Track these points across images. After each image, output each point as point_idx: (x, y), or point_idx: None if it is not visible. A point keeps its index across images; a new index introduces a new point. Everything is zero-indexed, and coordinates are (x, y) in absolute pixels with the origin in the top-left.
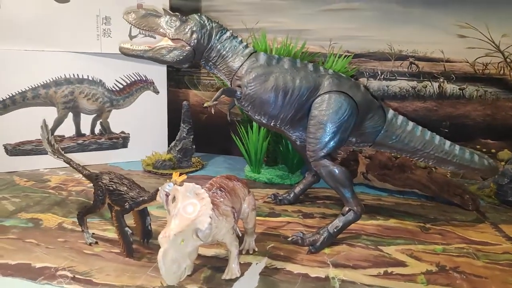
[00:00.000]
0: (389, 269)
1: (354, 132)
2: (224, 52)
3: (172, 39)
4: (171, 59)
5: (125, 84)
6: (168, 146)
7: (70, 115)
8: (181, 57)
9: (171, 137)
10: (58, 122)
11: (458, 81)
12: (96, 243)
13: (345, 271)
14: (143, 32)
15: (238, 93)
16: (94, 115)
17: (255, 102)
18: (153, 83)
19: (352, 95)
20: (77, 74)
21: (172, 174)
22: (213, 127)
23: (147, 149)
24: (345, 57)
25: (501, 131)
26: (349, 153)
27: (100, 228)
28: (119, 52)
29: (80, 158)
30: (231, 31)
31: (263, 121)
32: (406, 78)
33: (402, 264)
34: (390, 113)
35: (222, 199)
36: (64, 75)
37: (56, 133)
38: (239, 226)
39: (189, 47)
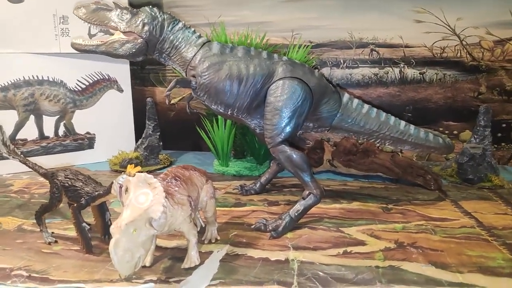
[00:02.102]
0: (348, 249)
1: (310, 117)
2: (177, 43)
3: (124, 32)
4: (124, 52)
5: (87, 83)
6: (135, 145)
7: (32, 118)
8: (134, 50)
9: (139, 135)
10: (20, 126)
11: (418, 65)
12: (56, 242)
13: (305, 253)
14: (100, 29)
15: (193, 83)
16: (57, 116)
17: (210, 91)
18: (116, 81)
19: (306, 81)
20: (37, 76)
21: (142, 172)
22: (181, 123)
23: (114, 148)
24: (304, 47)
25: (461, 113)
26: (316, 142)
27: (61, 228)
28: (79, 51)
29: (45, 161)
30: (183, 22)
31: (220, 110)
32: (368, 65)
33: (361, 243)
34: (345, 96)
35: (177, 188)
36: (23, 77)
37: (18, 136)
38: (201, 216)
39: (141, 39)
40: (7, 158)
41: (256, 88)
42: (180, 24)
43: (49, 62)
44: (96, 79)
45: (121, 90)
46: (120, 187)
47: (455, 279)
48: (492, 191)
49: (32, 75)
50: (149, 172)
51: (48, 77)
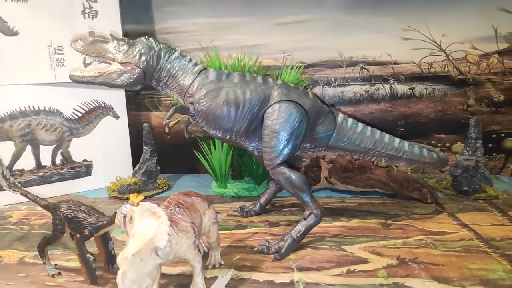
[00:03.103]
0: (352, 267)
1: (307, 138)
2: (174, 71)
3: (122, 63)
4: (122, 82)
5: (83, 111)
6: (133, 170)
7: (29, 148)
8: (131, 80)
9: (136, 160)
10: (17, 156)
11: (407, 81)
12: (59, 273)
13: (309, 274)
14: (96, 59)
15: (191, 110)
16: (54, 145)
17: (208, 117)
18: (112, 108)
19: (301, 103)
20: (33, 106)
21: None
22: (178, 147)
23: (112, 175)
24: (297, 68)
25: (452, 125)
26: (312, 159)
27: (64, 259)
28: (78, 83)
29: (42, 191)
30: (179, 50)
31: (219, 135)
32: (359, 83)
33: (364, 261)
34: (340, 116)
35: (180, 216)
36: (19, 108)
37: (15, 167)
38: (203, 242)
39: (138, 69)
40: (4, 190)
41: (253, 113)
42: (177, 53)
43: (45, 92)
44: (92, 106)
45: (117, 117)
46: (124, 217)
47: None
48: (487, 202)
49: (28, 106)
50: (147, 197)
51: (44, 107)
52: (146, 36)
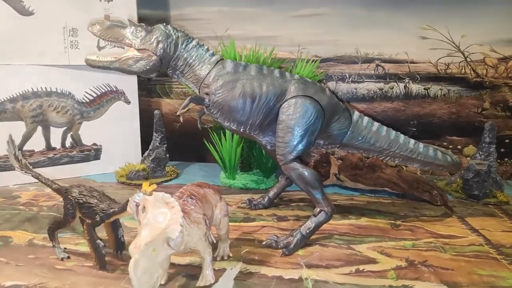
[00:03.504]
0: (361, 267)
1: (321, 134)
2: (191, 60)
3: (138, 49)
4: (138, 69)
5: (95, 95)
6: (142, 156)
7: (39, 129)
8: (147, 67)
9: (145, 147)
10: (27, 137)
11: (423, 81)
12: (68, 257)
13: (318, 271)
14: (112, 44)
15: (207, 100)
16: (64, 128)
17: (224, 109)
18: (123, 93)
19: (318, 99)
20: (45, 87)
21: (149, 184)
22: (187, 135)
23: (120, 160)
24: (312, 61)
25: (465, 128)
26: (322, 155)
27: (72, 243)
28: (93, 67)
29: (51, 172)
30: (197, 39)
31: (233, 128)
32: (373, 80)
33: (373, 261)
34: (356, 115)
35: (193, 207)
36: (32, 88)
37: (26, 147)
38: (212, 232)
39: (155, 56)
40: (13, 170)
41: (269, 106)
42: (194, 42)
43: (58, 74)
44: (103, 91)
45: (128, 102)
46: (137, 206)
47: None
48: (497, 207)
49: (41, 87)
50: (156, 183)
51: (56, 88)
52: (164, 24)
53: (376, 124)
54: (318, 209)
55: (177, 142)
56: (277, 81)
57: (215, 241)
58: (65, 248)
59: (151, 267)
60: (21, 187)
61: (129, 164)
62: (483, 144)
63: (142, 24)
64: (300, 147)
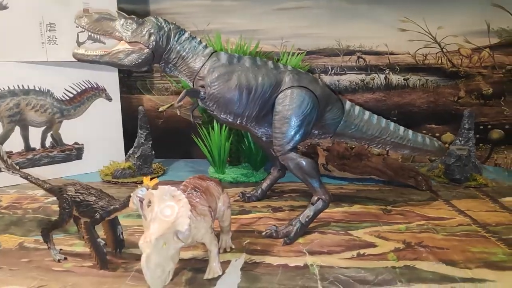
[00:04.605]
0: (361, 251)
1: (316, 124)
2: (184, 53)
3: (129, 42)
4: (130, 62)
5: (75, 92)
6: (125, 154)
7: (17, 129)
8: (139, 60)
9: (127, 144)
10: (4, 137)
11: (402, 72)
12: (65, 259)
13: (322, 258)
14: (95, 37)
15: (202, 93)
16: (44, 127)
17: (220, 101)
18: (105, 90)
19: (313, 89)
20: (22, 85)
21: (136, 181)
22: (170, 131)
23: (103, 159)
24: (298, 54)
25: (443, 116)
26: (308, 146)
27: (67, 244)
28: (67, 60)
29: (31, 174)
30: (189, 32)
31: (229, 120)
32: (355, 72)
33: (372, 245)
34: (348, 104)
35: (198, 199)
36: (8, 87)
37: (3, 149)
38: (214, 225)
39: (147, 49)
40: None
41: (265, 98)
42: (186, 34)
43: (35, 70)
44: (84, 88)
45: (109, 99)
46: (141, 201)
47: (466, 275)
48: (477, 190)
49: (18, 85)
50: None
51: (34, 86)
52: (155, 16)
53: (367, 113)
54: (316, 198)
55: (160, 139)
56: (271, 72)
57: (215, 233)
58: (60, 249)
59: (163, 261)
60: (0, 191)
61: (114, 163)
62: (463, 131)
63: (132, 16)
64: (297, 137)
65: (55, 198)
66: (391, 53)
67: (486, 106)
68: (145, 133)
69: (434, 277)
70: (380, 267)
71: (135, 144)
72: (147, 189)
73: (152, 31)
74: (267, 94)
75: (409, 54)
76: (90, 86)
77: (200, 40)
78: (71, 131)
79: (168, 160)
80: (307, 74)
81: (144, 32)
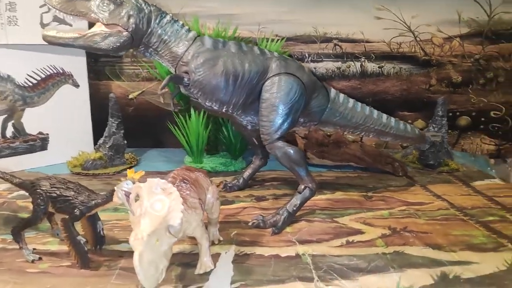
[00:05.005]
0: (350, 238)
1: (302, 112)
2: (166, 37)
3: (107, 25)
4: (107, 46)
5: (39, 78)
6: (94, 144)
7: None
8: (118, 44)
9: (95, 134)
10: None
11: (377, 60)
12: (40, 259)
13: (312, 246)
14: (62, 18)
15: (186, 79)
16: (4, 115)
17: (205, 88)
18: (71, 75)
19: (300, 76)
20: None
21: (108, 172)
22: (141, 119)
23: (71, 149)
24: (277, 41)
25: (415, 104)
26: (287, 135)
27: (39, 242)
28: (30, 43)
29: None
30: (171, 14)
31: (215, 108)
32: (331, 60)
33: (359, 232)
34: (332, 92)
35: (188, 192)
36: None
37: None
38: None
39: (126, 32)
40: None
41: (252, 85)
42: (168, 17)
43: None
44: (48, 73)
45: (76, 85)
46: (127, 195)
47: (452, 258)
48: (450, 175)
49: None
50: (116, 172)
51: None
52: None
53: (351, 100)
54: (303, 186)
55: (130, 128)
56: (258, 58)
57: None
58: (34, 249)
59: (156, 258)
60: None
61: (83, 153)
62: (436, 118)
63: None
64: (285, 125)
65: (21, 193)
66: (367, 41)
67: (455, 94)
68: (116, 122)
69: (424, 261)
70: (371, 253)
71: (105, 133)
72: (133, 182)
73: (131, 13)
74: (254, 81)
75: (384, 42)
76: (55, 72)
77: (183, 24)
78: (35, 120)
79: (140, 150)
80: (293, 60)
81: (122, 14)
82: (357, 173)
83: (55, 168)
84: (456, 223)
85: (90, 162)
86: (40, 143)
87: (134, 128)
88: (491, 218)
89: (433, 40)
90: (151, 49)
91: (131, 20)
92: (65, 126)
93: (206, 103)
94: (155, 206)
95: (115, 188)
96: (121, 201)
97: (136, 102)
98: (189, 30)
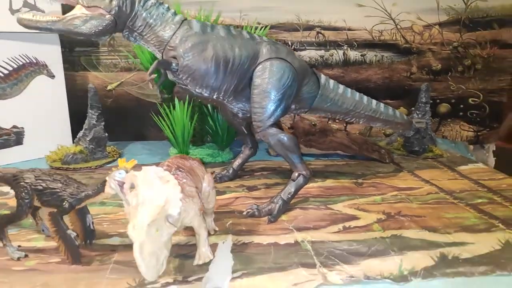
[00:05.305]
0: (346, 224)
1: (293, 98)
2: (151, 20)
3: (87, 7)
4: (88, 30)
5: (10, 69)
6: (74, 138)
7: None
8: (100, 28)
9: (74, 127)
10: None
11: (360, 48)
12: (26, 256)
13: (310, 233)
14: (32, 4)
15: (174, 64)
16: None
17: (195, 74)
18: (46, 66)
19: (291, 61)
20: None
21: (90, 166)
22: (120, 111)
23: (48, 143)
24: (261, 28)
25: (397, 91)
26: None
27: (24, 239)
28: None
29: None
30: None
31: (205, 94)
32: (314, 48)
33: (354, 217)
34: (323, 78)
35: (185, 180)
36: None
37: None
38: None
39: (109, 15)
40: None
41: (243, 70)
42: (153, 0)
43: None
44: (21, 63)
45: (52, 76)
46: (120, 185)
47: (448, 240)
48: (435, 160)
49: None
50: (98, 166)
51: None
52: None
53: (341, 86)
54: (297, 174)
55: (110, 120)
56: (248, 43)
57: None
58: (19, 246)
59: (157, 248)
60: None
61: (62, 147)
62: (420, 104)
63: None
64: (278, 111)
65: None
66: (349, 29)
67: (435, 81)
68: (96, 113)
69: (422, 244)
70: (369, 238)
71: (85, 126)
72: (126, 172)
73: None
74: (245, 66)
75: (366, 30)
76: (28, 62)
77: (168, 7)
78: (8, 113)
79: (122, 143)
80: (283, 45)
81: None
82: (344, 161)
83: (32, 164)
84: (448, 206)
85: (70, 156)
86: (14, 137)
87: (113, 121)
88: (479, 200)
89: (413, 28)
90: (135, 33)
91: (114, 2)
92: (41, 119)
93: (196, 90)
94: (152, 195)
95: (107, 178)
96: (114, 191)
97: (115, 94)
98: (175, 14)
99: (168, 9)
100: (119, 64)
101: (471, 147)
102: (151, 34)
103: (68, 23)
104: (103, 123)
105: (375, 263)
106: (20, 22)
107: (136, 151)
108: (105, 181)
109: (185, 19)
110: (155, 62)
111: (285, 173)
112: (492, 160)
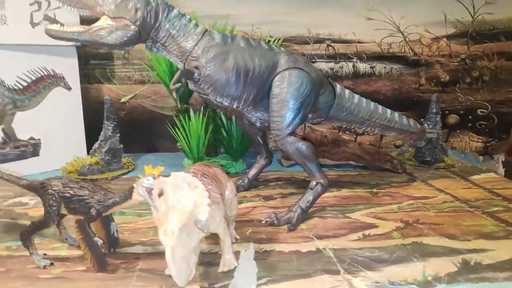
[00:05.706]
0: (366, 232)
1: (311, 108)
2: (174, 31)
3: (113, 18)
4: (114, 41)
5: (29, 81)
6: (89, 149)
7: None
8: (125, 38)
9: (89, 139)
10: None
11: (369, 60)
12: (52, 264)
13: (331, 241)
14: (81, 12)
15: (196, 74)
16: None
17: (216, 83)
18: (63, 78)
19: (308, 71)
20: None
21: (106, 177)
22: (133, 123)
23: (64, 155)
24: (274, 41)
25: (406, 103)
26: None
27: (47, 248)
28: (20, 43)
29: None
30: (178, 8)
31: (225, 104)
32: (324, 60)
33: (373, 226)
34: (338, 87)
35: (210, 186)
36: None
37: None
38: None
39: (134, 26)
40: None
41: (262, 80)
42: (176, 11)
43: None
44: (39, 75)
45: (69, 88)
46: (149, 191)
47: (468, 247)
48: (447, 170)
49: None
50: (114, 177)
51: None
52: None
53: (356, 96)
54: (315, 182)
55: (122, 132)
56: (267, 53)
57: None
58: (44, 254)
59: (187, 253)
60: None
61: (78, 158)
62: (431, 115)
63: None
64: (296, 120)
65: (16, 200)
66: (359, 42)
67: (443, 92)
68: (112, 125)
69: (443, 250)
70: (390, 245)
71: (101, 137)
72: (154, 178)
73: (138, 5)
74: (264, 75)
75: (375, 42)
76: (46, 74)
77: (190, 18)
78: (26, 124)
79: (135, 155)
80: (300, 56)
81: (129, 7)
82: (357, 171)
83: (48, 175)
84: (464, 214)
85: (87, 168)
86: (31, 149)
87: (126, 133)
88: (495, 208)
89: (421, 40)
90: (158, 44)
91: (139, 13)
92: (58, 131)
93: (217, 99)
94: (182, 201)
95: (135, 185)
96: (142, 198)
97: (129, 106)
98: (196, 25)
99: (190, 20)
100: (133, 76)
101: (481, 157)
102: (173, 44)
103: (94, 33)
104: (118, 135)
105: (398, 270)
106: (48, 32)
107: (150, 162)
108: (131, 188)
109: (207, 30)
110: (178, 72)
111: (300, 183)
112: (501, 171)
